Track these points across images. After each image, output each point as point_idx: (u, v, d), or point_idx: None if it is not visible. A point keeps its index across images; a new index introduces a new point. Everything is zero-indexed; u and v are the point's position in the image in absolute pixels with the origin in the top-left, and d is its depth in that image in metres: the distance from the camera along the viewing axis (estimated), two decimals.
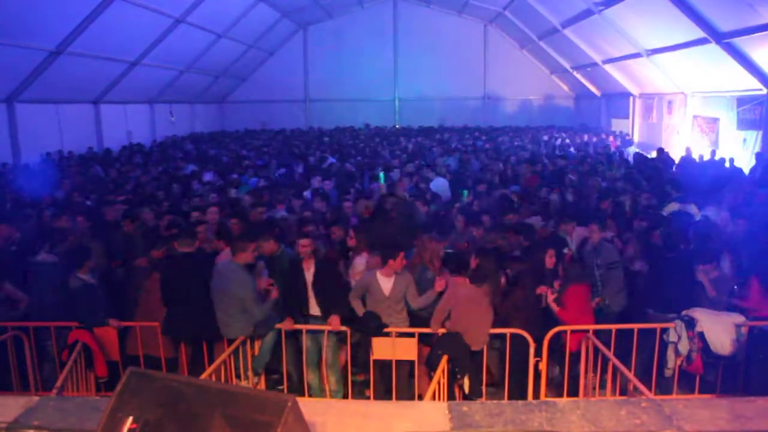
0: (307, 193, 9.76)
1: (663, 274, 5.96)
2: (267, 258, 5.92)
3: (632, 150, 18.47)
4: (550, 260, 5.76)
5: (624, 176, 11.24)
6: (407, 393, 5.55)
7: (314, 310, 5.64)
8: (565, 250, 6.59)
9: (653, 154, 14.84)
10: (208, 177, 12.11)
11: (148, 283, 5.89)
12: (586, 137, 21.32)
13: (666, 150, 15.49)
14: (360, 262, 6.17)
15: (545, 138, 21.05)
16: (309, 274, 5.61)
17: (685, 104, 17.94)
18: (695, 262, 5.89)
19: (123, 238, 7.03)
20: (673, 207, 8.13)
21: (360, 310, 5.52)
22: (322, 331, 5.58)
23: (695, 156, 15.06)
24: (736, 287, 5.77)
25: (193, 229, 6.39)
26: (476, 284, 5.23)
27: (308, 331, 5.64)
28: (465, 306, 5.24)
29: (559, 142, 20.27)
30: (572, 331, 5.39)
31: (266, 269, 5.82)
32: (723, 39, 12.87)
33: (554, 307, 5.58)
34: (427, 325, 5.45)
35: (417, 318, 5.62)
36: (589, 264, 6.17)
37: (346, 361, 5.67)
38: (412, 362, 5.47)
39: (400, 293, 5.46)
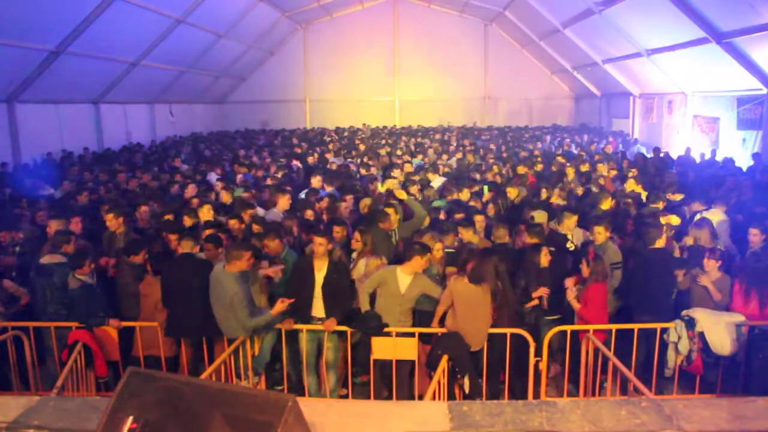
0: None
1: (641, 273, 5.93)
2: (271, 258, 5.89)
3: (635, 150, 18.44)
4: (545, 258, 5.74)
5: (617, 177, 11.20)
6: (407, 393, 5.53)
7: (318, 311, 5.52)
8: (568, 244, 6.59)
9: (651, 155, 14.82)
10: (212, 178, 12.06)
11: (142, 287, 5.84)
12: (586, 137, 21.29)
13: (666, 150, 15.47)
14: (362, 263, 6.14)
15: (547, 138, 21.01)
16: (320, 275, 5.46)
17: (685, 104, 17.93)
18: (678, 264, 5.89)
19: (109, 237, 6.85)
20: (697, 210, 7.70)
21: (365, 306, 5.46)
22: (323, 332, 5.53)
23: (695, 155, 15.05)
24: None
25: (193, 231, 6.37)
26: (475, 284, 5.23)
27: (308, 332, 5.56)
28: (465, 305, 5.24)
29: (557, 141, 20.24)
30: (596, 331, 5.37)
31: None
32: (723, 39, 12.86)
33: (575, 304, 5.58)
34: (431, 323, 5.45)
35: (421, 314, 5.61)
36: None
37: (347, 362, 5.65)
38: (412, 362, 5.45)
39: (414, 292, 5.44)
